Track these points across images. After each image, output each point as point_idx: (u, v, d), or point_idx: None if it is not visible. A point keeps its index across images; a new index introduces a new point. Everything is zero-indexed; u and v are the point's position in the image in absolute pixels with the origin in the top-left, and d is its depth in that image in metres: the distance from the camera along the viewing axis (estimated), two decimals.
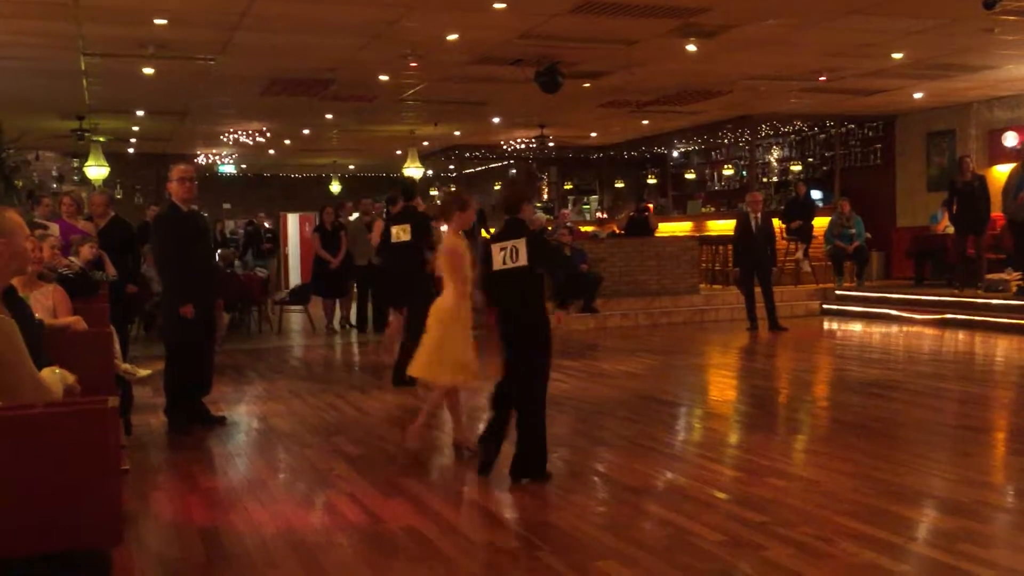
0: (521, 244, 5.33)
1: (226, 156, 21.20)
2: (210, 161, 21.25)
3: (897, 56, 11.50)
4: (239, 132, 17.37)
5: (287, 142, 19.19)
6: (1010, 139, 14.53)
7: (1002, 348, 10.63)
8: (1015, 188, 12.27)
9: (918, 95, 14.50)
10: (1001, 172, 14.26)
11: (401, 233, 8.77)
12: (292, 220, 26.61)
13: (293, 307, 14.51)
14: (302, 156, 22.21)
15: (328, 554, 4.24)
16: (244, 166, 23.64)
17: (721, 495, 5.03)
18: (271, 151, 20.44)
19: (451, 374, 5.85)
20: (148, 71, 11.27)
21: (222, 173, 23.01)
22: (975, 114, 15.42)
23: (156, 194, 18.92)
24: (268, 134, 17.69)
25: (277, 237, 21.72)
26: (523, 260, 5.33)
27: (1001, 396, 8.10)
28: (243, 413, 7.72)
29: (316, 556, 4.21)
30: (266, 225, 19.59)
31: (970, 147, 15.22)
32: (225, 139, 18.06)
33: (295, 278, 23.92)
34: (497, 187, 25.82)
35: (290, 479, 5.66)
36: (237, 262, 16.14)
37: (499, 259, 5.38)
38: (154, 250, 7.20)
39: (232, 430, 7.05)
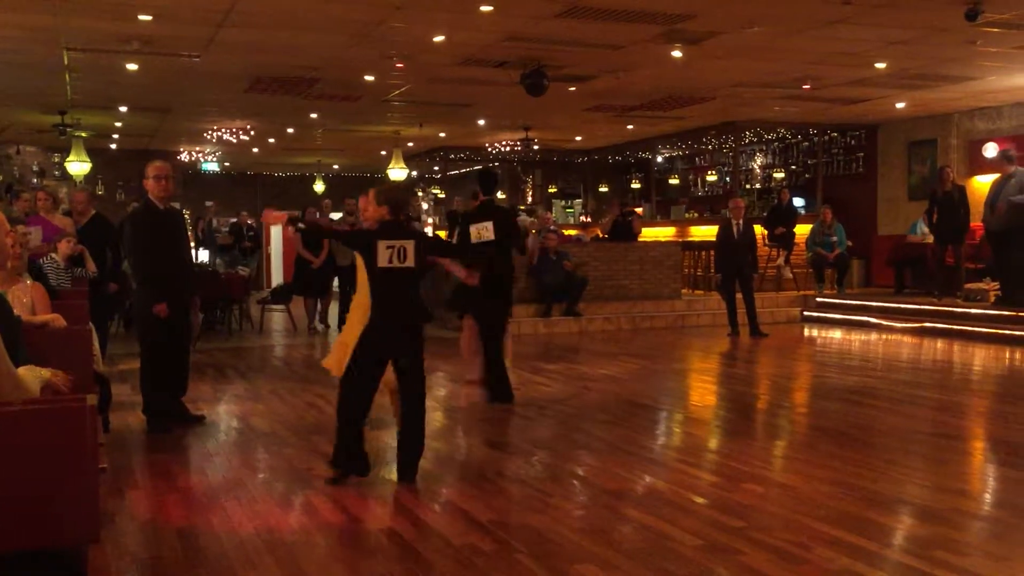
0: (410, 245, 5.30)
1: (210, 154, 21.10)
2: (193, 159, 21.14)
3: (880, 65, 11.59)
4: (223, 130, 17.30)
5: (271, 141, 19.13)
6: (990, 150, 14.67)
7: (980, 357, 10.72)
8: (994, 198, 12.40)
9: (900, 105, 14.61)
10: (981, 183, 14.40)
11: (483, 232, 7.80)
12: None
13: (275, 307, 14.46)
14: (286, 155, 22.14)
15: (306, 554, 4.23)
16: (228, 164, 23.53)
17: (700, 500, 5.05)
18: (255, 149, 20.36)
19: None
20: (132, 67, 11.22)
21: (205, 171, 22.91)
22: (956, 124, 15.56)
23: (138, 191, 18.80)
24: (252, 132, 17.62)
25: (259, 236, 21.62)
26: (411, 261, 5.29)
27: (978, 405, 8.17)
28: (222, 412, 7.68)
29: (294, 556, 4.20)
30: (249, 223, 19.49)
31: (951, 157, 15.36)
32: (209, 136, 17.98)
33: (277, 278, 23.84)
34: None
35: (269, 479, 5.64)
36: (219, 260, 16.08)
37: (385, 257, 5.26)
38: (127, 247, 7.14)
39: (211, 429, 7.02)
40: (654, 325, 13.92)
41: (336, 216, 14.24)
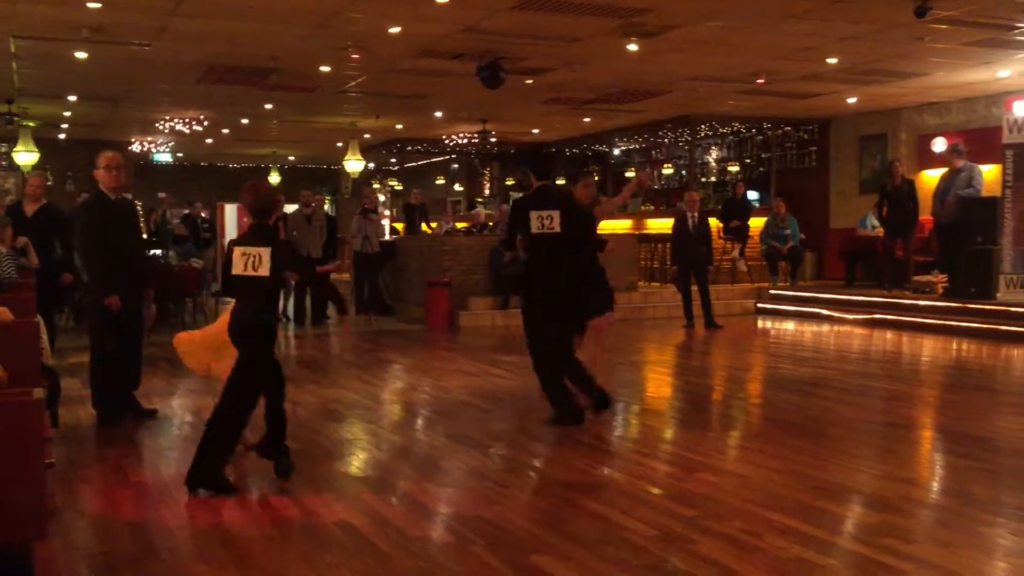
0: (266, 253, 5.18)
1: (162, 144, 20.78)
2: (145, 149, 20.81)
3: (832, 61, 11.74)
4: (175, 120, 17.05)
5: (225, 131, 18.89)
6: (939, 144, 14.93)
7: (928, 348, 10.93)
8: (943, 192, 12.64)
9: (852, 100, 14.82)
10: (930, 176, 14.66)
11: (547, 221, 6.83)
12: (230, 211, 26.19)
13: (229, 299, 14.29)
14: (241, 146, 21.89)
15: (261, 548, 4.20)
16: (180, 155, 23.21)
17: (655, 490, 5.09)
18: (208, 140, 20.09)
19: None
20: (81, 55, 11.00)
21: (157, 161, 22.57)
22: (906, 119, 15.82)
23: (88, 181, 18.46)
24: (206, 123, 17.39)
25: (214, 227, 21.35)
26: (265, 270, 5.18)
27: (926, 394, 8.34)
28: (176, 406, 7.58)
29: (248, 550, 4.16)
30: (203, 215, 19.24)
31: (901, 152, 15.62)
32: (161, 127, 17.71)
33: None
34: (439, 181, 25.76)
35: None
36: (172, 253, 15.84)
37: (241, 264, 5.21)
38: (78, 239, 7.01)
39: (164, 423, 6.93)
40: None
41: (291, 208, 14.10)
